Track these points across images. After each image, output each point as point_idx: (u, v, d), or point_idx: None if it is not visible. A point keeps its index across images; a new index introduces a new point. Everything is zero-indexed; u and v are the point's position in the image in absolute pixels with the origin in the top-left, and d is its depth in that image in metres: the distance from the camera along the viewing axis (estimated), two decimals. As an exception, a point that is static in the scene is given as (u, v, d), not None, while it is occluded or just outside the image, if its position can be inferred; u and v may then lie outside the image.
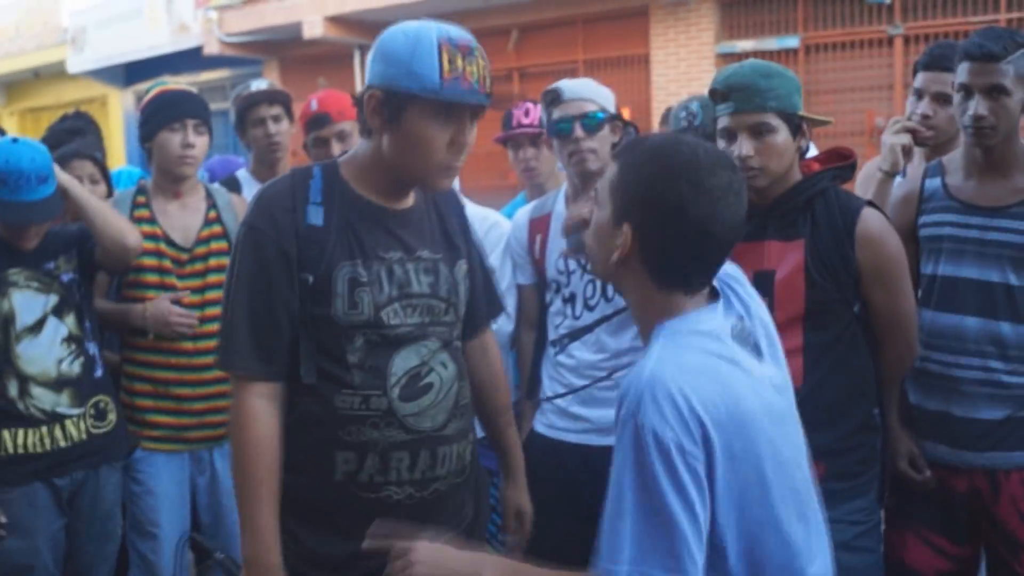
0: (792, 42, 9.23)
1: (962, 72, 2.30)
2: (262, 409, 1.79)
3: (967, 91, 2.30)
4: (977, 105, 2.27)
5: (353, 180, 1.87)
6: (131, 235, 2.78)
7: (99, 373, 2.83)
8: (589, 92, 2.66)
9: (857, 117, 8.81)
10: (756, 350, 1.54)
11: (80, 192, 2.79)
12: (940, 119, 2.80)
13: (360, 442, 1.80)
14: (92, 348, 2.81)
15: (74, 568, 2.84)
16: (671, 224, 1.44)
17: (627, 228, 1.46)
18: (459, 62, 1.73)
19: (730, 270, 1.62)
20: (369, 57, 1.83)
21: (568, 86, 2.66)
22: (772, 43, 9.30)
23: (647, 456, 1.34)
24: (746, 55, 8.72)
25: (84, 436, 2.75)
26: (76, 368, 2.75)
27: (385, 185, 1.88)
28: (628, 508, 1.35)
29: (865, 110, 8.72)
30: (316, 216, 1.80)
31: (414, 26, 1.77)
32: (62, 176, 2.77)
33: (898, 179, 2.75)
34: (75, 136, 3.85)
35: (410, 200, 1.93)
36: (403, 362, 1.84)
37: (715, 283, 1.57)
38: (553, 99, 2.65)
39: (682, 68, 9.95)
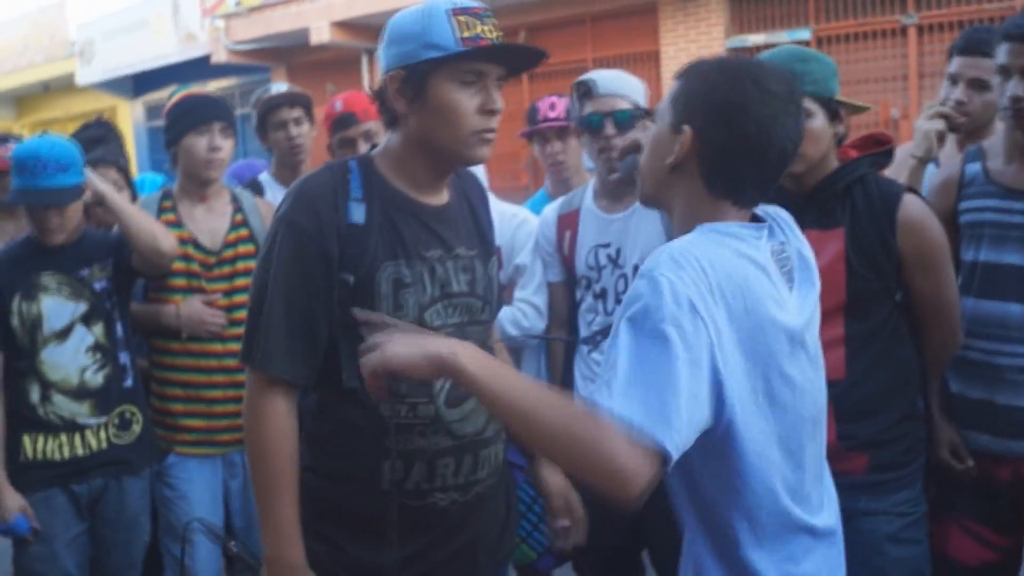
0: (804, 34, 9.18)
1: (1002, 53, 2.26)
2: (282, 406, 1.73)
3: (1006, 72, 2.26)
4: (1015, 87, 2.23)
5: (389, 174, 1.81)
6: (166, 240, 2.77)
7: (129, 383, 2.82)
8: (622, 88, 2.63)
9: (872, 109, 8.76)
10: (789, 276, 1.53)
11: (114, 198, 2.79)
12: (975, 105, 2.76)
13: (408, 451, 1.76)
14: (123, 357, 2.80)
15: (102, 573, 2.84)
16: (734, 124, 1.45)
17: (688, 130, 1.47)
18: (475, 24, 1.69)
19: (781, 212, 1.64)
20: (380, 49, 1.79)
21: (602, 79, 2.63)
22: (783, 36, 9.24)
23: (660, 299, 1.32)
24: (757, 49, 8.70)
25: (105, 445, 2.74)
26: (99, 378, 2.75)
27: (422, 174, 1.82)
28: (626, 344, 1.32)
29: (880, 101, 8.67)
30: (358, 213, 1.74)
31: (420, 5, 1.73)
32: (96, 183, 2.77)
33: (931, 167, 2.72)
34: (98, 144, 3.84)
35: (445, 195, 1.88)
36: None
37: (762, 215, 1.58)
38: (586, 92, 2.62)
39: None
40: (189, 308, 2.84)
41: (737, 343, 1.39)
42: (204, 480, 2.94)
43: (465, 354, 1.37)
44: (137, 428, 2.81)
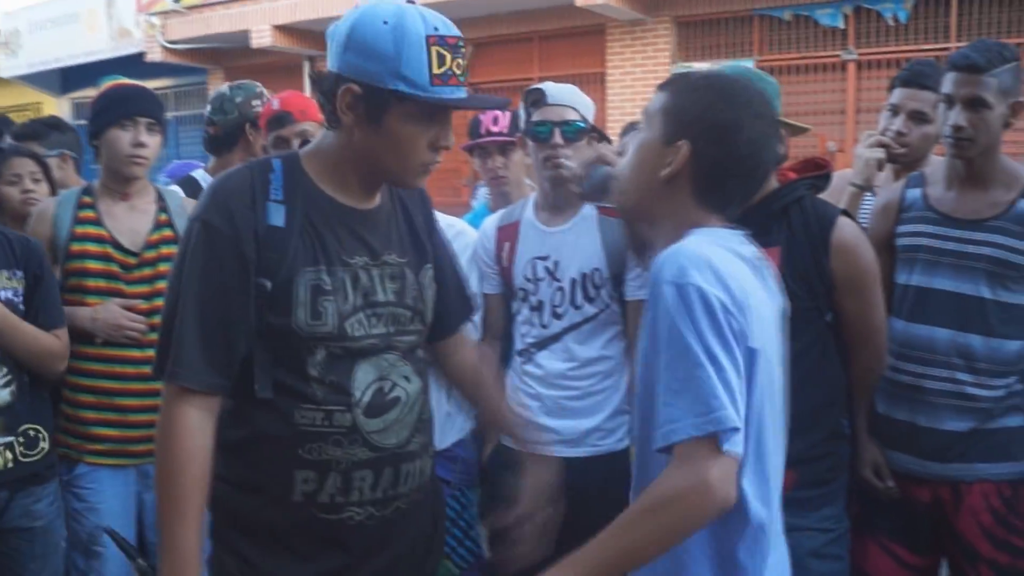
0: (747, 64, 9.29)
1: (947, 82, 2.30)
2: (198, 422, 1.62)
3: (950, 101, 2.30)
4: (957, 116, 2.26)
5: (316, 176, 1.72)
6: (60, 362, 2.67)
7: (31, 401, 2.67)
8: (572, 99, 2.62)
9: (809, 140, 8.92)
10: (763, 278, 1.59)
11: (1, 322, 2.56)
12: (914, 137, 2.80)
13: (322, 460, 1.67)
14: (27, 375, 2.65)
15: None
16: (728, 143, 1.51)
17: (685, 145, 1.52)
18: (448, 60, 1.61)
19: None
20: (335, 42, 1.66)
21: (552, 90, 2.62)
22: (727, 65, 9.35)
23: (693, 313, 1.38)
24: (701, 75, 8.77)
25: (11, 464, 2.60)
26: (5, 395, 2.60)
27: (353, 182, 1.74)
28: (666, 366, 1.39)
29: (818, 134, 8.82)
30: (277, 216, 1.65)
31: (393, 12, 1.61)
32: None
33: (867, 196, 2.74)
34: (52, 130, 3.82)
35: (377, 199, 1.80)
36: (364, 376, 1.71)
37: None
38: (535, 100, 2.60)
39: (637, 87, 10.00)
40: (106, 312, 2.72)
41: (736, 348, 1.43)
42: (116, 491, 2.81)
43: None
44: (44, 446, 2.67)
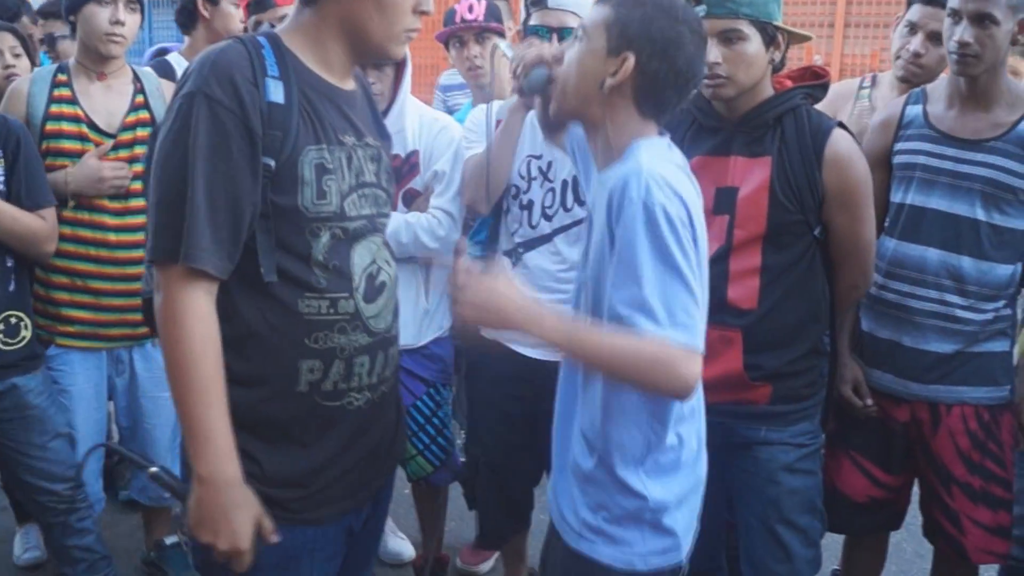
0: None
1: None
2: (207, 306, 1.57)
3: (956, 16, 2.23)
4: (964, 31, 2.21)
5: (300, 54, 1.67)
6: (47, 243, 2.60)
7: (12, 287, 2.61)
8: (575, 4, 2.55)
9: (795, 53, 8.80)
10: (694, 183, 1.71)
11: None
12: (931, 58, 2.73)
13: (327, 349, 1.66)
14: (9, 260, 2.59)
15: (32, 477, 2.68)
16: (669, 58, 1.63)
17: (630, 57, 1.62)
18: None
19: None
20: None
21: None
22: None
23: (660, 229, 1.53)
24: (691, -18, 8.59)
25: None
26: None
27: (336, 59, 1.70)
28: (649, 276, 1.53)
29: (805, 46, 8.69)
30: (277, 92, 1.59)
31: None
32: None
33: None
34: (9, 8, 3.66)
35: (352, 82, 1.77)
36: (360, 259, 1.69)
37: None
38: (536, 0, 2.53)
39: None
40: (84, 168, 2.64)
41: (698, 250, 1.60)
42: (88, 374, 2.79)
43: (525, 318, 1.57)
44: (26, 334, 2.62)
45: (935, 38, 2.69)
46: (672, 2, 1.66)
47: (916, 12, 2.75)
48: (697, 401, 1.75)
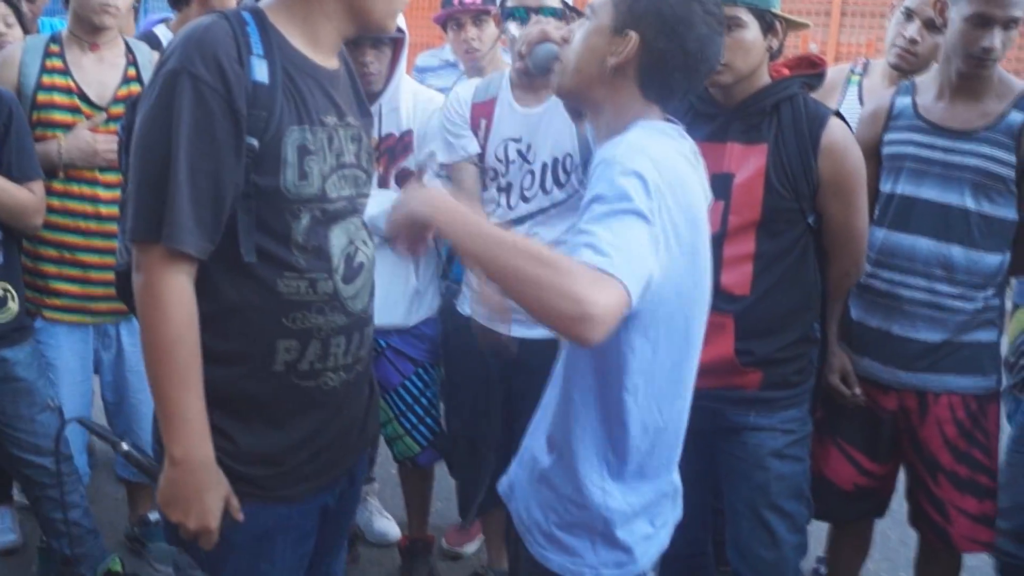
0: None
1: (980, 0, 2.20)
2: (188, 287, 1.56)
3: (985, 21, 2.21)
4: (995, 38, 2.20)
5: (285, 31, 1.65)
6: (35, 216, 2.57)
7: (1, 260, 2.58)
8: None
9: (791, 40, 8.79)
10: (699, 173, 1.64)
11: None
12: (925, 47, 2.73)
13: (304, 329, 1.65)
14: None
15: (18, 445, 2.66)
16: (678, 37, 1.53)
17: (634, 35, 1.53)
18: None
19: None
20: None
21: None
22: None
23: (629, 179, 1.40)
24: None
25: None
26: None
27: (326, 36, 1.68)
28: (599, 213, 1.38)
29: (801, 34, 8.67)
30: (261, 71, 1.56)
31: None
32: None
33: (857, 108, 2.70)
34: None
35: (335, 60, 1.75)
36: (338, 240, 1.68)
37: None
38: None
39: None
40: (76, 139, 2.62)
41: (678, 234, 1.47)
42: (74, 348, 2.78)
43: (428, 208, 1.43)
44: (14, 306, 2.59)
45: (931, 25, 2.69)
46: None
47: None
48: (676, 415, 1.65)
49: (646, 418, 1.56)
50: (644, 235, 1.37)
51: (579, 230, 1.39)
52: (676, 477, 1.72)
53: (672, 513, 1.72)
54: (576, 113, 1.91)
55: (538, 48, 2.29)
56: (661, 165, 1.45)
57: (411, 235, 1.51)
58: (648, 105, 1.58)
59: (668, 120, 1.62)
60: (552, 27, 2.32)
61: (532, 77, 2.45)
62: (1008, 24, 2.21)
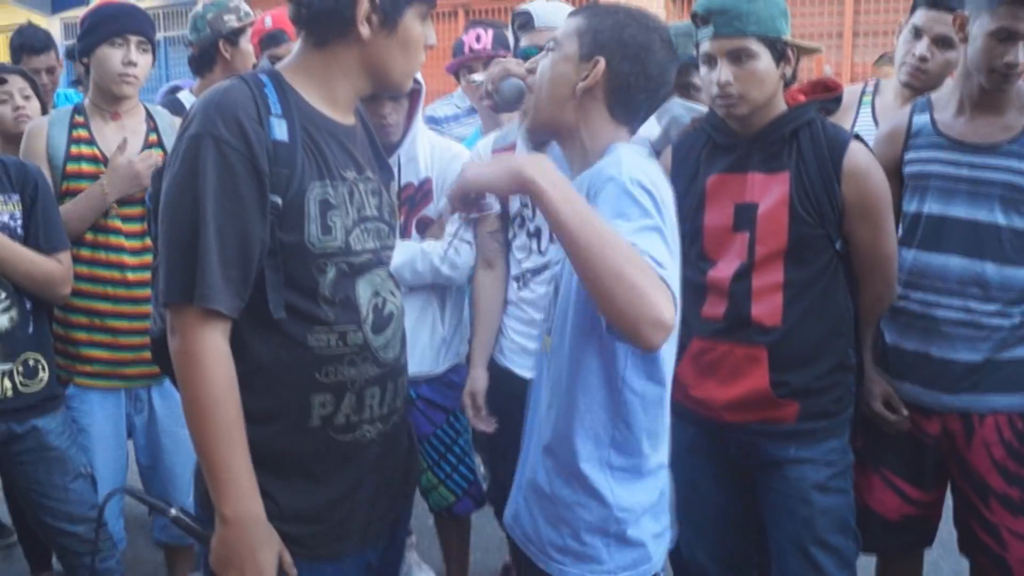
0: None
1: (1004, 15, 2.17)
2: (224, 346, 1.57)
3: (1010, 36, 2.18)
4: (1019, 52, 2.17)
5: (303, 91, 1.69)
6: (63, 286, 2.61)
7: (31, 330, 2.60)
8: (561, 19, 2.52)
9: (805, 64, 8.77)
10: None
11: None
12: (936, 63, 2.70)
13: (338, 382, 1.66)
14: (27, 303, 2.59)
15: (51, 517, 2.66)
16: (640, 62, 1.66)
17: (602, 60, 1.65)
18: None
19: None
20: None
21: (540, 12, 2.55)
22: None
23: (635, 195, 1.49)
24: (698, -2, 8.60)
25: (10, 394, 2.54)
26: (4, 320, 2.53)
27: (343, 95, 1.72)
28: (636, 230, 1.44)
29: (815, 57, 8.67)
30: (280, 130, 1.60)
31: None
32: None
33: (871, 128, 2.68)
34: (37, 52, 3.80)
35: (352, 117, 1.79)
36: (364, 292, 1.70)
37: None
38: (523, 24, 2.54)
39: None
40: (114, 171, 2.68)
41: (676, 244, 1.57)
42: (107, 414, 2.79)
43: (538, 170, 1.44)
44: (44, 376, 2.61)
45: (941, 42, 2.67)
46: (642, 11, 1.72)
47: (921, 16, 2.72)
48: (666, 411, 1.71)
49: (648, 417, 1.64)
50: (666, 249, 1.46)
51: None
52: (667, 473, 1.76)
53: (666, 515, 1.76)
54: (540, 145, 1.95)
55: (503, 84, 2.34)
56: (656, 183, 1.55)
57: (469, 199, 1.60)
58: (618, 127, 1.70)
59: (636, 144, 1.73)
60: (513, 64, 2.36)
61: (500, 113, 2.48)
62: None
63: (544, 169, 1.45)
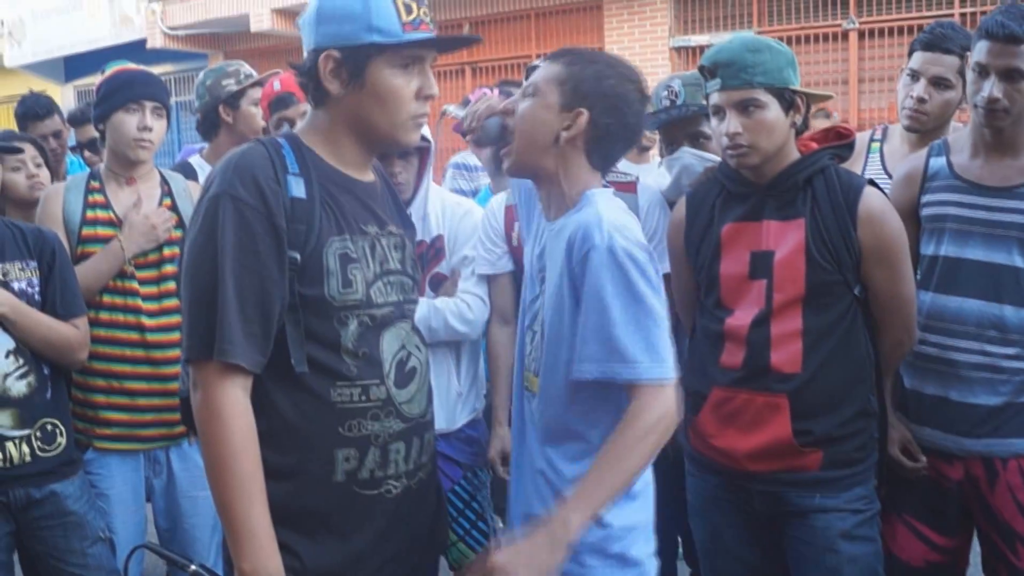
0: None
1: (980, 51, 2.21)
2: (244, 401, 1.59)
3: (983, 71, 2.21)
4: (993, 87, 2.19)
5: (318, 150, 1.74)
6: (80, 352, 2.63)
7: (49, 395, 2.60)
8: None
9: (833, 97, 8.81)
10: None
11: (17, 313, 2.51)
12: (935, 104, 2.72)
13: (361, 436, 1.66)
14: (45, 368, 2.59)
15: None
16: (619, 113, 1.76)
17: (584, 113, 1.74)
18: (415, 8, 1.69)
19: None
20: (307, 24, 1.71)
21: None
22: (726, 37, 9.25)
23: (627, 272, 1.64)
24: (701, 49, 8.70)
25: (28, 459, 2.53)
26: (22, 386, 2.53)
27: (351, 154, 1.75)
28: (620, 317, 1.63)
29: (821, 105, 8.72)
30: (298, 188, 1.64)
31: None
32: None
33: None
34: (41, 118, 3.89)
35: (371, 174, 1.83)
36: (389, 346, 1.72)
37: None
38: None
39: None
40: (130, 227, 2.71)
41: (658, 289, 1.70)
42: (126, 477, 2.78)
43: (572, 531, 1.59)
44: (62, 440, 2.61)
45: (938, 84, 2.70)
46: (620, 61, 1.82)
47: (917, 59, 2.76)
48: None
49: None
50: (657, 321, 1.63)
51: (605, 347, 1.63)
52: (652, 491, 1.86)
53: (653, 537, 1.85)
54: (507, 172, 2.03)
55: (488, 122, 2.37)
56: (636, 235, 1.69)
57: None
58: (593, 173, 1.81)
59: (604, 185, 1.85)
60: (496, 102, 2.40)
61: (482, 147, 2.51)
62: (1007, 74, 2.18)
63: (569, 525, 1.58)
